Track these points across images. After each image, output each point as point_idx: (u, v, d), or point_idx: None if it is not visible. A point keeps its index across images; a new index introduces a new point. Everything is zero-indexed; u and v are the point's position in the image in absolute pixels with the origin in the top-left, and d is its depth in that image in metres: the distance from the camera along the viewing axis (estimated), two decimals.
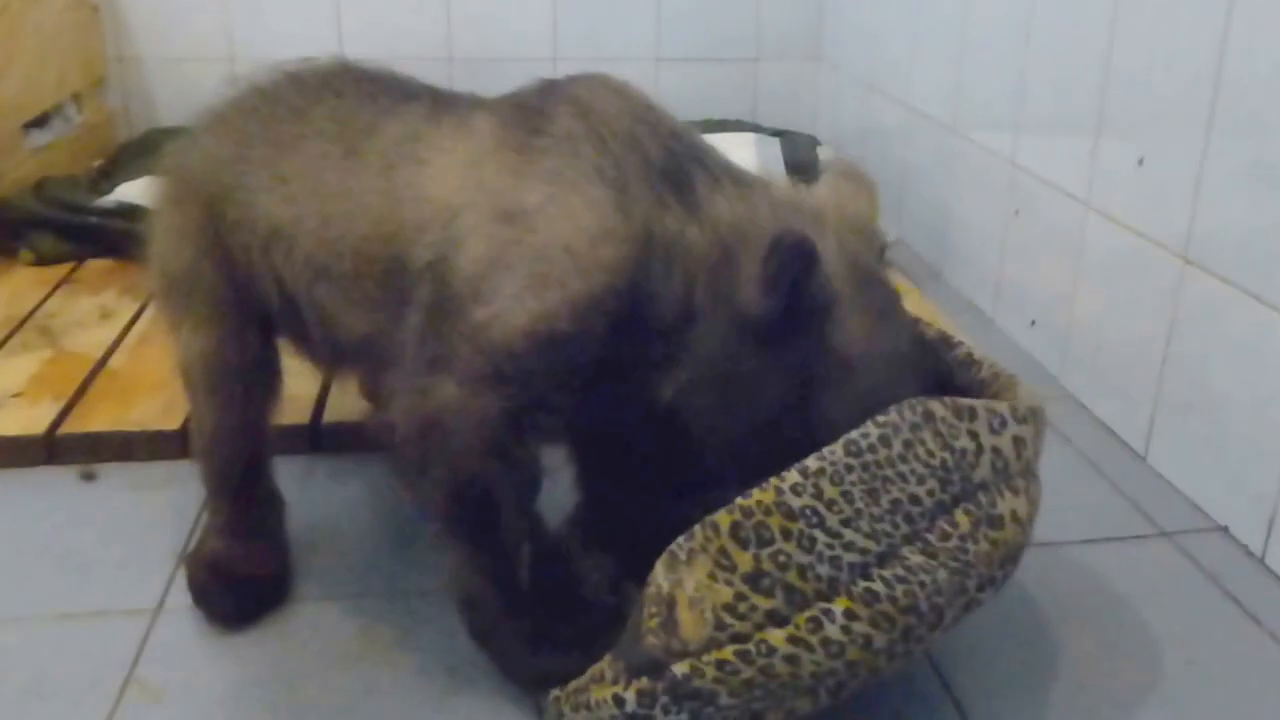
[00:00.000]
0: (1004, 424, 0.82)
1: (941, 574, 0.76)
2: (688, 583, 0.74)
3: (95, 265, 1.62)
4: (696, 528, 0.75)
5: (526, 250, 0.78)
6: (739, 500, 0.74)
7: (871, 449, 0.77)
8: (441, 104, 0.89)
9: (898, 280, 1.62)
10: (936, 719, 0.83)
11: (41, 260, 1.62)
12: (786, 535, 0.74)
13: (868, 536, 0.75)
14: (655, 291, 0.79)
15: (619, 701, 0.75)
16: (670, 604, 0.74)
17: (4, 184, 1.69)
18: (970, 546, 0.77)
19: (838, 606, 0.73)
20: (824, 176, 0.88)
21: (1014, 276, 1.52)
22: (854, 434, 0.77)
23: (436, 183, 0.83)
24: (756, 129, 2.06)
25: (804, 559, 0.73)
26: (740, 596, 0.73)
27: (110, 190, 1.73)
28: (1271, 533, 1.03)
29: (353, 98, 0.90)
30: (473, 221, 0.80)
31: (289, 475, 1.05)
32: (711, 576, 0.74)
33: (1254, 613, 0.97)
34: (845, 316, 0.76)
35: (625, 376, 0.80)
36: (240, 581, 0.94)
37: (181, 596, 0.95)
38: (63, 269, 1.61)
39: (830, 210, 0.81)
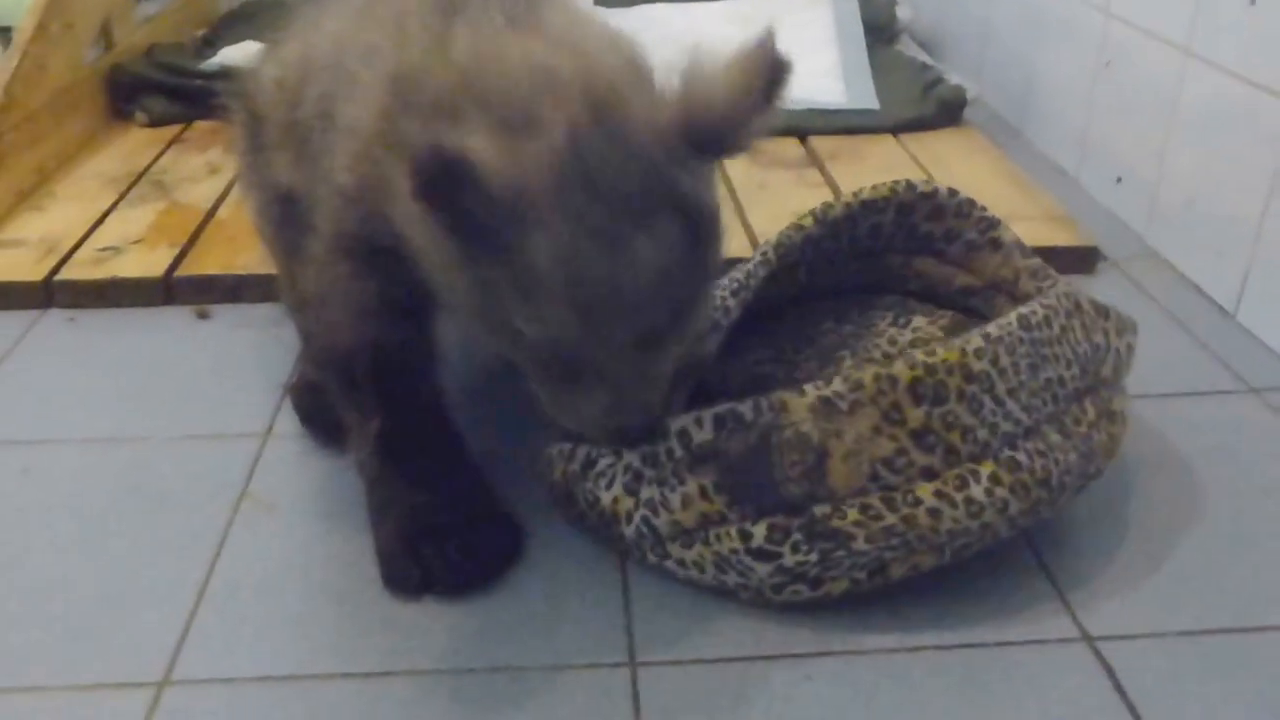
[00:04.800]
0: (1124, 329, 0.87)
1: (1072, 456, 0.79)
2: (847, 434, 0.74)
3: (202, 126, 1.69)
4: (867, 378, 0.75)
5: (337, 104, 0.76)
6: (922, 356, 0.75)
7: (1038, 326, 0.80)
8: None
9: (976, 139, 1.62)
10: (1023, 577, 0.84)
11: (153, 121, 1.70)
12: (960, 397, 0.75)
13: (1023, 409, 0.77)
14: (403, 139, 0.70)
15: (744, 535, 0.77)
16: (821, 454, 0.74)
17: (118, 50, 1.77)
18: (1094, 435, 0.81)
19: (984, 469, 0.76)
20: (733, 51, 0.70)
21: (1100, 132, 1.50)
22: (1024, 309, 0.80)
23: (327, 32, 0.82)
24: None
25: (969, 421, 0.75)
26: (901, 452, 0.75)
27: (214, 55, 1.79)
28: None
29: None
30: (317, 74, 0.80)
31: None
32: (876, 429, 0.74)
33: None
34: (538, 229, 0.64)
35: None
36: None
37: (287, 423, 1.03)
38: (173, 129, 1.69)
39: (605, 83, 0.67)
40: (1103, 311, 0.86)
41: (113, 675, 0.76)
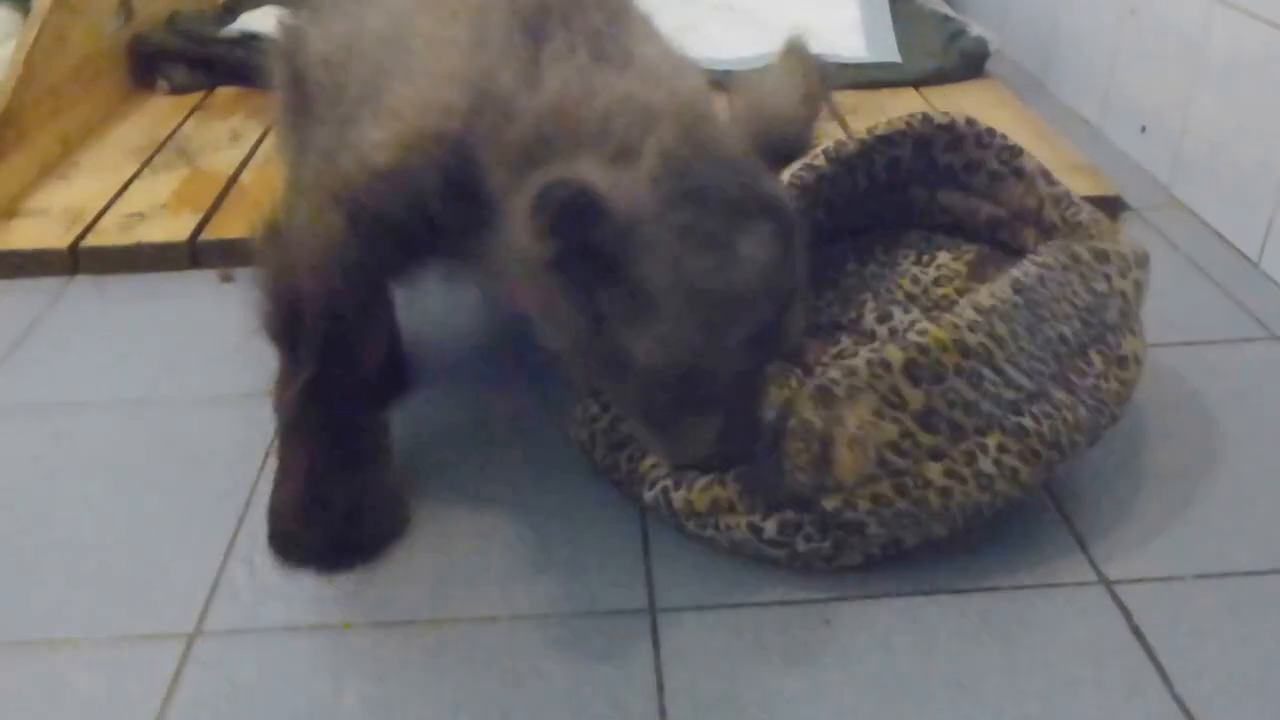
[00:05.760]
0: (1128, 268, 0.85)
1: (1081, 411, 0.78)
2: (849, 420, 0.74)
3: (224, 93, 1.71)
4: (860, 364, 0.75)
5: (390, 81, 0.76)
6: (913, 337, 0.75)
7: (1032, 288, 0.79)
8: None
9: (999, 91, 1.61)
10: (1041, 522, 0.84)
11: (176, 89, 1.71)
12: (959, 372, 0.75)
13: (1025, 374, 0.77)
14: (480, 153, 0.72)
15: (755, 530, 0.77)
16: (825, 442, 0.74)
17: (139, 20, 1.78)
18: (1103, 385, 0.80)
19: (991, 440, 0.75)
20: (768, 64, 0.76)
21: (1125, 82, 1.48)
22: (1017, 272, 0.79)
23: (386, 9, 0.82)
24: None
25: (971, 395, 0.75)
26: (906, 434, 0.74)
27: (234, 22, 1.80)
28: None
29: None
30: (372, 45, 0.80)
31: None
32: (878, 414, 0.74)
33: None
34: (651, 249, 0.66)
35: (464, 234, 0.74)
36: None
37: None
38: (195, 97, 1.70)
39: (690, 108, 0.69)
40: (1101, 256, 0.84)
41: (145, 627, 0.78)
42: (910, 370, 0.74)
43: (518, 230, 0.65)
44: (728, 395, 0.71)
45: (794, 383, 0.77)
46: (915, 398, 0.74)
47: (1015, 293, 0.78)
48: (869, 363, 0.75)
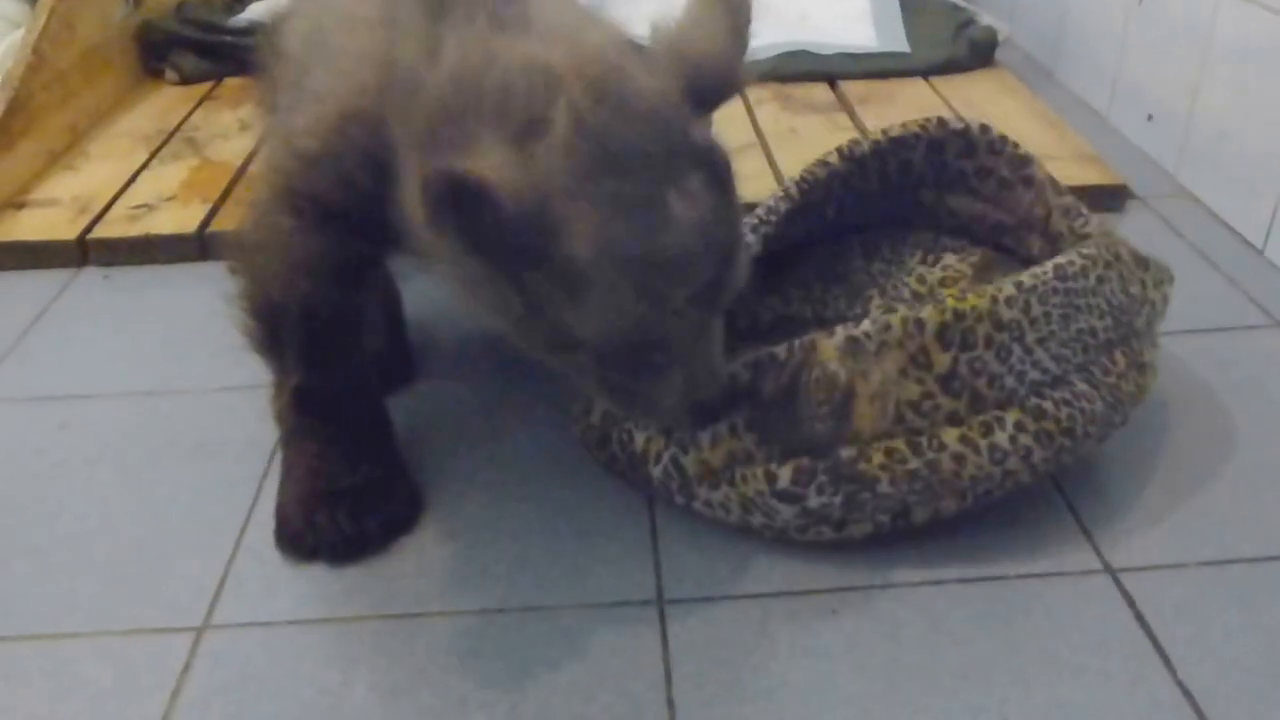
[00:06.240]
0: (1161, 281, 0.87)
1: (1098, 405, 0.79)
2: (873, 375, 0.75)
3: (232, 82, 1.70)
4: (893, 320, 0.75)
5: (314, 66, 0.76)
6: (951, 303, 0.75)
7: (1074, 277, 0.79)
8: None
9: (1008, 80, 1.61)
10: (1047, 511, 0.85)
11: (184, 79, 1.71)
12: (989, 344, 0.76)
13: (1052, 358, 0.78)
14: (394, 131, 0.70)
15: (770, 477, 0.77)
16: (848, 394, 0.75)
17: (148, 7, 1.78)
18: (1123, 386, 0.81)
19: (1010, 416, 0.76)
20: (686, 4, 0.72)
21: (1133, 71, 1.48)
22: (1062, 259, 0.80)
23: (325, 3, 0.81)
24: None
25: (997, 368, 0.76)
26: (927, 395, 0.75)
27: (242, 10, 1.80)
28: None
29: None
30: (310, 33, 0.79)
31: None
32: (903, 372, 0.75)
33: None
34: (572, 224, 0.63)
35: (398, 217, 0.70)
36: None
37: None
38: (203, 87, 1.70)
39: (596, 63, 0.66)
40: (1142, 262, 0.86)
41: (154, 621, 0.78)
42: (943, 333, 0.75)
43: (418, 224, 0.63)
44: (682, 353, 0.70)
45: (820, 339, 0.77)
46: (942, 361, 0.75)
47: (1057, 278, 0.78)
48: (903, 320, 0.75)
